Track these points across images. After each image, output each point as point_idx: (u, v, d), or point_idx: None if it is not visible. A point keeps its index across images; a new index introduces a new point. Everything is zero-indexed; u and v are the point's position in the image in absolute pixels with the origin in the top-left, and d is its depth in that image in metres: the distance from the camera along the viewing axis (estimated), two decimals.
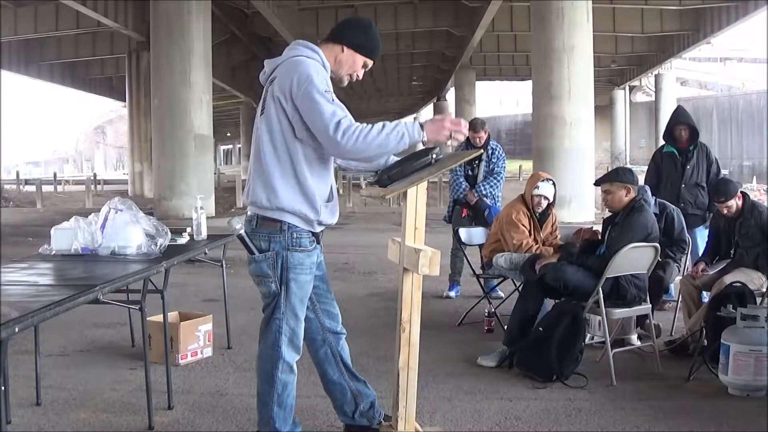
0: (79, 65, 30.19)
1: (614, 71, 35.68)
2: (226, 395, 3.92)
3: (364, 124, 2.70)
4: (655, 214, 5.08)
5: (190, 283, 7.17)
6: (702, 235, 5.73)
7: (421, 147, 2.80)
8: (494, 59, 33.23)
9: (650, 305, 4.54)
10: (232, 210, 17.48)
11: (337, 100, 2.73)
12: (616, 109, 41.31)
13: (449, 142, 2.74)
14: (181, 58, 15.25)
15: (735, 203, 4.85)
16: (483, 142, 6.44)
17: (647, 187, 5.36)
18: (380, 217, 15.55)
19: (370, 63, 2.98)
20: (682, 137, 6.00)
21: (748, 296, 4.35)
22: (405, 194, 2.82)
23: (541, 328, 4.28)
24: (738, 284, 4.43)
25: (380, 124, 2.70)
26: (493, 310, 5.33)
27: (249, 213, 2.91)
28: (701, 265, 5.00)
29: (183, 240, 4.19)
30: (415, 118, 3.35)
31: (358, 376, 3.17)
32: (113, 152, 79.63)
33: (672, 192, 5.90)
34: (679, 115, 6.17)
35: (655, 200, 5.32)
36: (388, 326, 4.28)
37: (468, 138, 6.57)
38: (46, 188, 24.17)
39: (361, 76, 3.02)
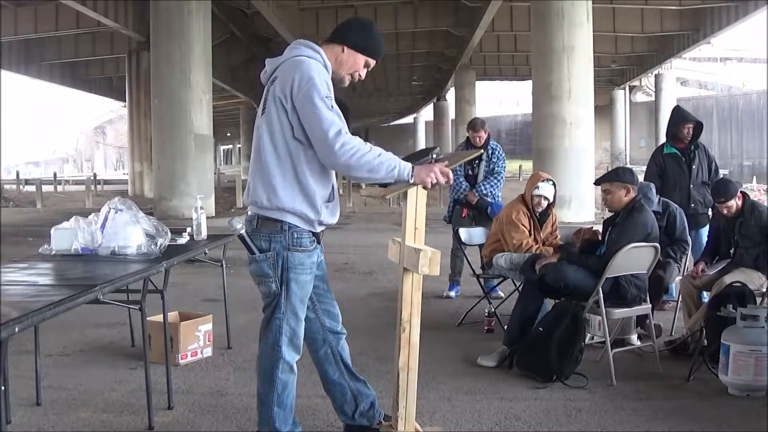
0: (79, 65, 30.23)
1: (614, 71, 35.68)
2: (226, 395, 3.92)
3: (364, 143, 2.71)
4: (658, 212, 5.07)
5: (190, 283, 7.17)
6: None
7: (406, 185, 2.80)
8: (494, 59, 33.24)
9: (650, 305, 4.54)
10: (232, 210, 17.48)
11: (336, 107, 2.73)
12: (616, 109, 41.28)
13: (429, 186, 2.79)
14: (181, 58, 15.27)
15: (735, 203, 4.84)
16: (483, 141, 6.45)
17: (652, 185, 5.33)
18: (380, 217, 15.54)
19: (372, 63, 3.00)
20: (689, 135, 5.95)
21: (748, 296, 4.35)
22: (405, 194, 2.82)
23: (541, 328, 4.28)
24: (738, 284, 4.43)
25: (378, 149, 2.72)
26: (493, 310, 5.32)
27: (249, 213, 2.92)
28: (701, 265, 5.00)
29: (183, 240, 4.19)
30: (432, 149, 3.35)
31: (358, 376, 3.17)
32: (113, 152, 79.61)
33: (682, 193, 5.85)
34: (684, 114, 6.13)
35: (659, 198, 5.31)
36: (388, 326, 4.27)
37: (468, 138, 6.59)
38: (46, 188, 24.19)
39: (363, 76, 3.03)
